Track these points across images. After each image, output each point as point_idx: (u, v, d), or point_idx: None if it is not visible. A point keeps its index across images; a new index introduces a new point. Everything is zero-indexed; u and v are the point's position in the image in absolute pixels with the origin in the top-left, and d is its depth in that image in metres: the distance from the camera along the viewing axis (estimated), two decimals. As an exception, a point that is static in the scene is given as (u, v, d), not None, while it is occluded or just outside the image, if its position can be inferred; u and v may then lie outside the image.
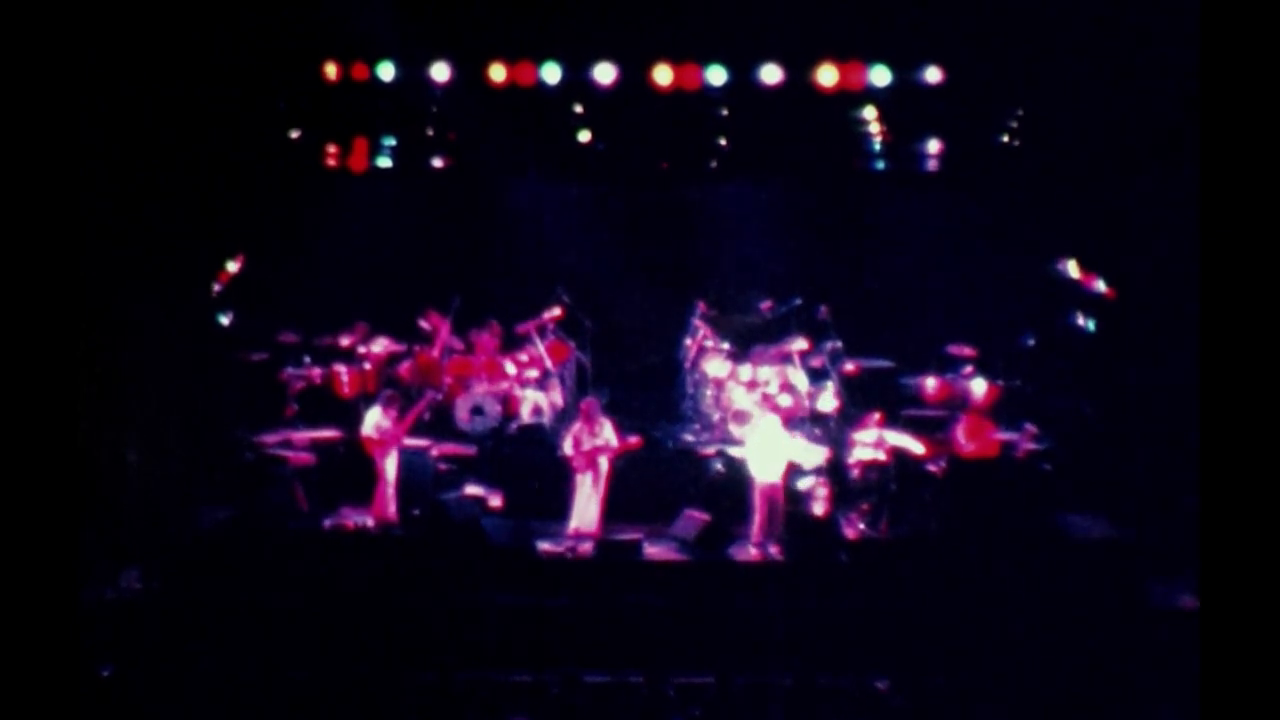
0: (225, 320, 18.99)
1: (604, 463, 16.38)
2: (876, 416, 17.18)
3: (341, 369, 19.19)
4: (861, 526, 16.65)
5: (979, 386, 18.61)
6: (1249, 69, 8.90)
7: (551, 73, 18.09)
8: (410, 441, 17.09)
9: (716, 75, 18.05)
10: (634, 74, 18.03)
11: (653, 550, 16.09)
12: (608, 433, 16.44)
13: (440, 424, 18.45)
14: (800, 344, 19.22)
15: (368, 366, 19.34)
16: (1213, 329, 8.92)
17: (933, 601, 14.88)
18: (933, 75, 18.06)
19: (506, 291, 20.75)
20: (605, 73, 18.04)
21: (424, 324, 19.65)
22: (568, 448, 16.45)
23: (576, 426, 16.59)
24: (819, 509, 16.66)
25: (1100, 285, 18.52)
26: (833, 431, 18.27)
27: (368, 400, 18.20)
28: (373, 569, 15.38)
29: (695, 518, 16.28)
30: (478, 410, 18.55)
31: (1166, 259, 16.16)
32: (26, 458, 8.85)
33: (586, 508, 16.31)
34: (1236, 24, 8.94)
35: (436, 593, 15.16)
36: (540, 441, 18.04)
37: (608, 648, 14.15)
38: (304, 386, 19.09)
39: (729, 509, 16.55)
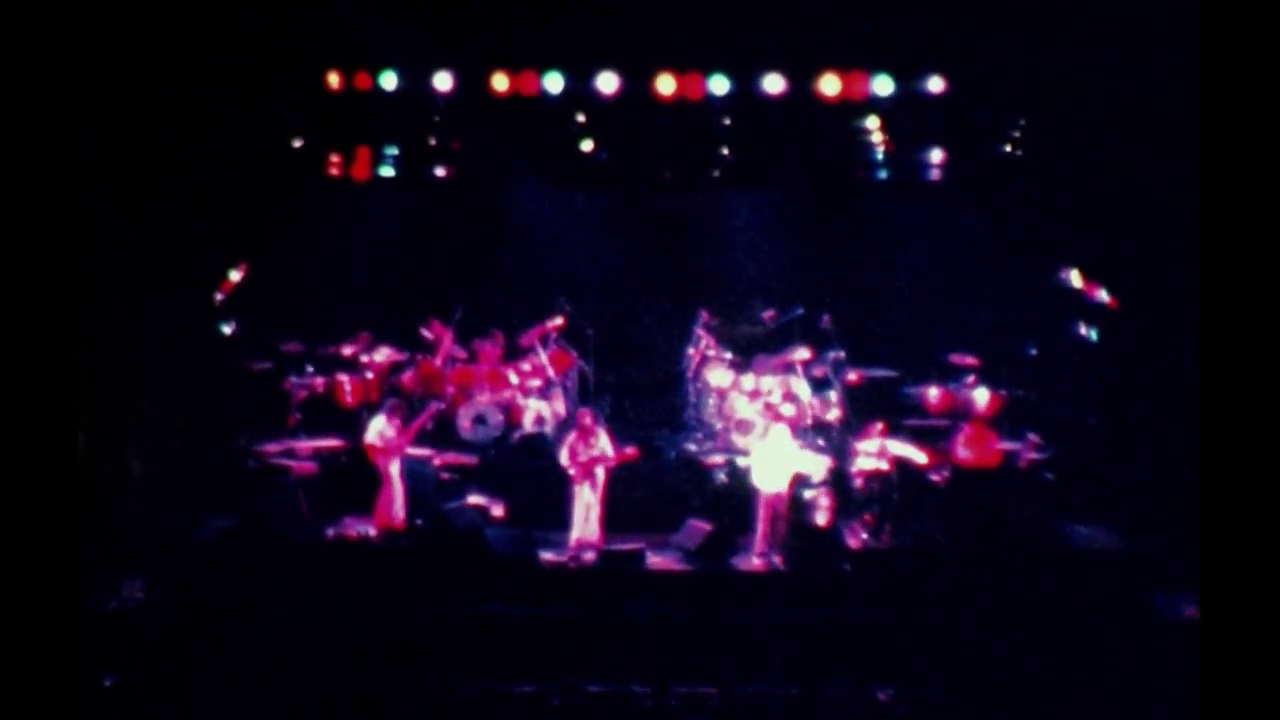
0: (228, 329, 18.99)
1: (601, 473, 16.36)
2: (879, 426, 17.18)
3: (344, 378, 19.19)
4: (864, 536, 16.63)
5: (981, 396, 18.59)
6: (1249, 79, 8.90)
7: (554, 82, 18.09)
8: (412, 451, 17.08)
9: (719, 85, 18.05)
10: (637, 83, 18.04)
11: (655, 560, 16.09)
12: (603, 443, 16.42)
13: (442, 433, 18.44)
14: (803, 353, 19.22)
15: (370, 376, 19.34)
16: (1213, 338, 8.91)
17: (935, 611, 14.86)
18: (935, 85, 18.06)
19: (509, 301, 20.75)
20: (608, 82, 18.04)
21: (427, 333, 19.64)
22: (564, 458, 16.44)
23: (572, 437, 16.58)
24: (822, 519, 16.65)
25: (1103, 295, 18.51)
26: (835, 441, 18.27)
27: (370, 409, 18.20)
28: (375, 578, 15.37)
29: (698, 527, 16.28)
30: (480, 419, 18.55)
31: (1169, 268, 16.16)
32: (28, 466, 8.84)
33: (586, 518, 16.29)
34: (1236, 34, 8.95)
35: (438, 602, 15.14)
36: (542, 451, 18.04)
37: (610, 658, 14.14)
38: (307, 395, 19.10)
39: (732, 518, 16.54)
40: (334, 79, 18.25)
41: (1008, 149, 19.15)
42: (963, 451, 17.24)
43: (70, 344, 9.29)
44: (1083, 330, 19.02)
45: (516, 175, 20.51)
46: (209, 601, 15.01)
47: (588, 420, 16.60)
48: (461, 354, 19.62)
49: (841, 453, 17.55)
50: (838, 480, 17.00)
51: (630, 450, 16.83)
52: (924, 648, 14.31)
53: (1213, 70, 9.06)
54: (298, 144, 19.39)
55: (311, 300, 20.36)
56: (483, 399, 18.73)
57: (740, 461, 17.42)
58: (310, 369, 19.35)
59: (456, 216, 21.37)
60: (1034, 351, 19.66)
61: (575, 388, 19.94)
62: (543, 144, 19.75)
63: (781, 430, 16.68)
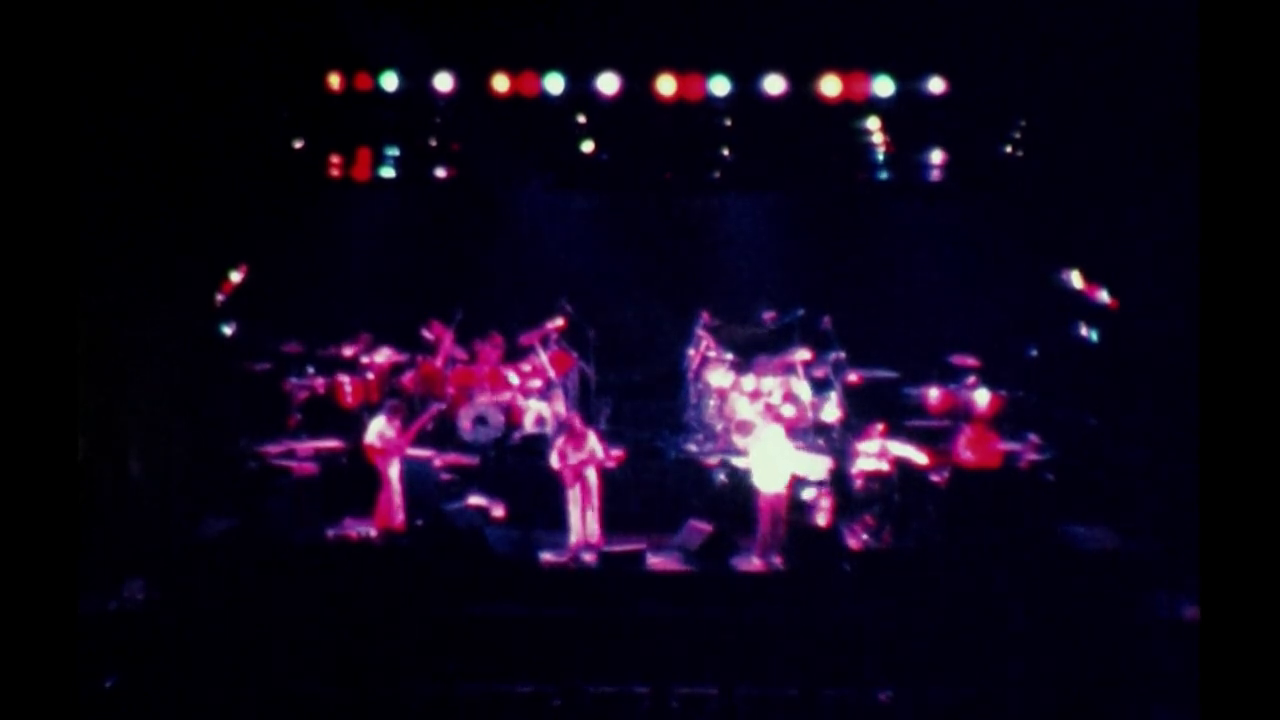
0: (228, 330, 19.02)
1: (592, 475, 16.34)
2: (879, 427, 17.18)
3: (345, 379, 19.20)
4: (864, 537, 16.62)
5: (982, 397, 18.60)
6: (1248, 79, 8.90)
7: (555, 83, 18.14)
8: (413, 452, 17.07)
9: (720, 85, 18.11)
10: (637, 84, 18.08)
11: (656, 560, 16.07)
12: (592, 443, 16.41)
13: (443, 434, 18.44)
14: (803, 354, 19.23)
15: (371, 376, 19.35)
16: (1213, 338, 8.91)
17: (936, 612, 14.86)
18: (936, 86, 18.12)
19: (509, 302, 20.74)
20: (608, 83, 18.08)
21: (427, 334, 19.65)
22: (554, 461, 16.44)
23: (561, 441, 16.57)
24: (822, 519, 16.65)
25: (1103, 296, 18.52)
26: (836, 442, 18.28)
27: (370, 410, 18.21)
28: (375, 579, 15.37)
29: (698, 528, 16.26)
30: (481, 420, 18.55)
31: (1169, 269, 16.16)
32: (28, 468, 8.84)
33: (583, 520, 16.26)
34: (1236, 34, 8.95)
35: (438, 603, 15.14)
36: (543, 452, 18.02)
37: (611, 658, 14.13)
38: (307, 396, 19.11)
39: (732, 519, 16.54)
40: (335, 80, 18.30)
41: (1008, 149, 19.16)
42: (964, 452, 17.23)
43: (70, 345, 9.29)
44: (1083, 331, 19.03)
45: (517, 176, 20.51)
46: (209, 602, 15.00)
47: (577, 423, 16.65)
48: (462, 355, 19.62)
49: (842, 453, 17.55)
50: (838, 481, 16.99)
51: (616, 453, 16.85)
52: (924, 648, 14.30)
53: (1213, 70, 9.05)
54: (299, 145, 19.41)
55: (312, 301, 20.38)
56: (483, 400, 18.73)
57: (740, 462, 17.41)
58: (311, 370, 19.36)
59: (457, 217, 21.39)
60: (1034, 352, 19.68)
61: (576, 389, 19.93)
62: (543, 145, 19.77)
63: (775, 430, 16.67)
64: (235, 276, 18.90)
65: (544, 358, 19.52)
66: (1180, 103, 13.18)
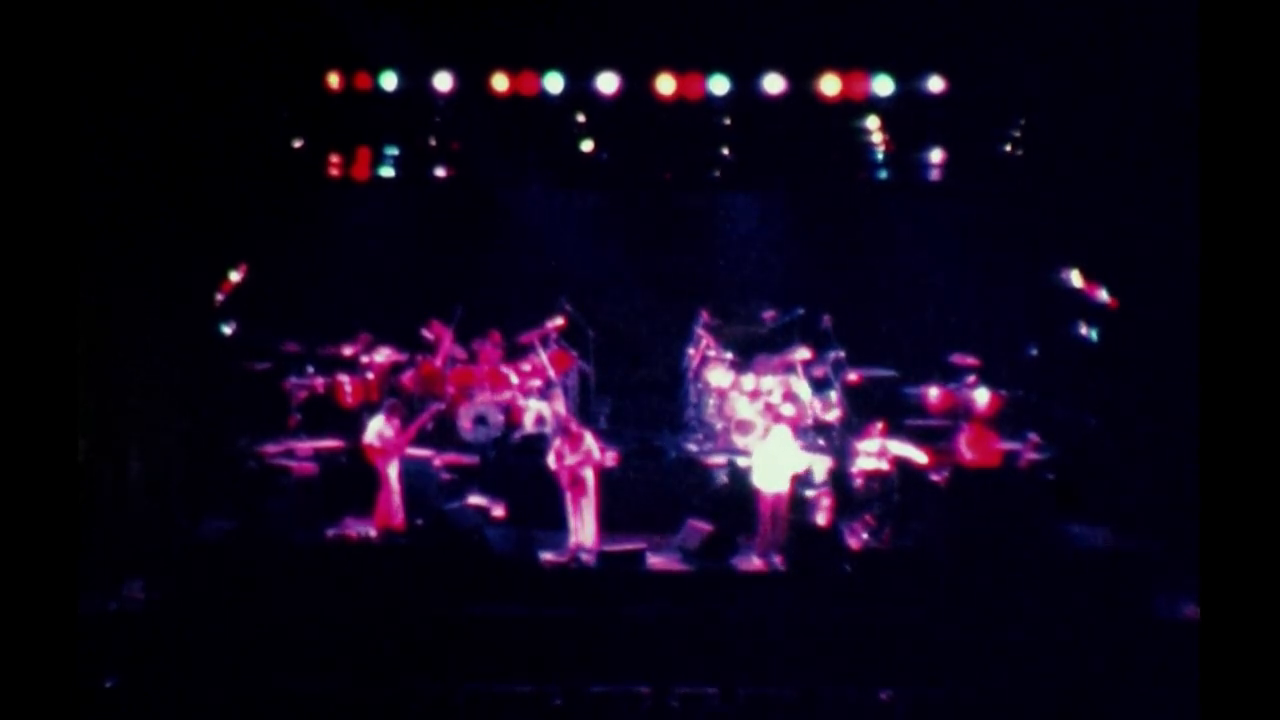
0: (228, 330, 19.00)
1: (589, 476, 16.33)
2: (879, 426, 17.18)
3: (344, 378, 19.19)
4: (864, 536, 16.62)
5: (982, 396, 18.60)
6: (1249, 79, 8.90)
7: (554, 82, 18.13)
8: (413, 451, 17.07)
9: (719, 85, 18.10)
10: (637, 83, 18.08)
11: (656, 560, 16.07)
12: (589, 444, 16.40)
13: (443, 433, 18.44)
14: (803, 353, 19.23)
15: (370, 376, 19.35)
16: (1213, 338, 8.91)
17: (936, 612, 14.86)
18: (935, 85, 18.10)
19: (509, 301, 20.74)
20: (608, 82, 18.08)
21: (427, 333, 19.64)
22: (551, 462, 16.44)
23: (557, 442, 16.58)
24: (822, 519, 16.65)
25: (1103, 295, 18.52)
26: (836, 441, 18.27)
27: (370, 410, 18.20)
28: (375, 579, 15.36)
29: (698, 527, 16.27)
30: (481, 420, 18.55)
31: (1169, 268, 16.16)
32: (28, 468, 8.84)
33: (580, 521, 16.25)
34: (1236, 34, 8.95)
35: (439, 603, 15.14)
36: (543, 451, 18.02)
37: (611, 658, 14.14)
38: (307, 396, 19.11)
39: (732, 519, 16.53)
40: (334, 79, 18.30)
41: (1008, 149, 19.16)
42: (964, 452, 17.23)
43: (70, 345, 9.28)
44: (1083, 330, 19.02)
45: (516, 175, 20.50)
46: (209, 602, 15.00)
47: (574, 424, 16.69)
48: (462, 354, 19.61)
49: (842, 453, 17.55)
50: (838, 480, 16.99)
51: (612, 454, 16.96)
52: (924, 648, 14.30)
53: (1213, 70, 9.05)
54: (298, 144, 19.41)
55: (311, 301, 20.37)
56: (483, 399, 18.73)
57: (740, 462, 17.41)
58: (310, 369, 19.36)
59: (456, 217, 21.37)
60: (1034, 351, 19.68)
61: (576, 388, 19.93)
62: (543, 144, 19.77)
63: (782, 430, 16.67)
64: (235, 276, 18.89)
65: (544, 357, 19.52)
66: (1180, 103, 13.17)
